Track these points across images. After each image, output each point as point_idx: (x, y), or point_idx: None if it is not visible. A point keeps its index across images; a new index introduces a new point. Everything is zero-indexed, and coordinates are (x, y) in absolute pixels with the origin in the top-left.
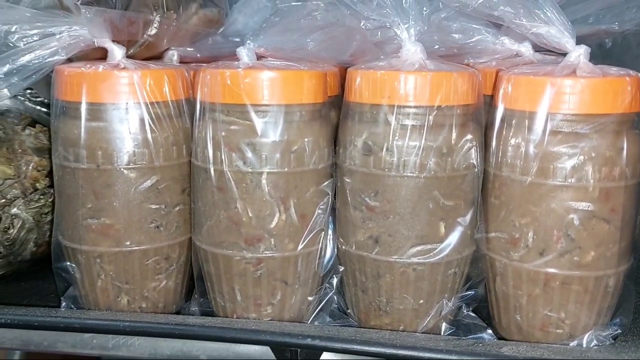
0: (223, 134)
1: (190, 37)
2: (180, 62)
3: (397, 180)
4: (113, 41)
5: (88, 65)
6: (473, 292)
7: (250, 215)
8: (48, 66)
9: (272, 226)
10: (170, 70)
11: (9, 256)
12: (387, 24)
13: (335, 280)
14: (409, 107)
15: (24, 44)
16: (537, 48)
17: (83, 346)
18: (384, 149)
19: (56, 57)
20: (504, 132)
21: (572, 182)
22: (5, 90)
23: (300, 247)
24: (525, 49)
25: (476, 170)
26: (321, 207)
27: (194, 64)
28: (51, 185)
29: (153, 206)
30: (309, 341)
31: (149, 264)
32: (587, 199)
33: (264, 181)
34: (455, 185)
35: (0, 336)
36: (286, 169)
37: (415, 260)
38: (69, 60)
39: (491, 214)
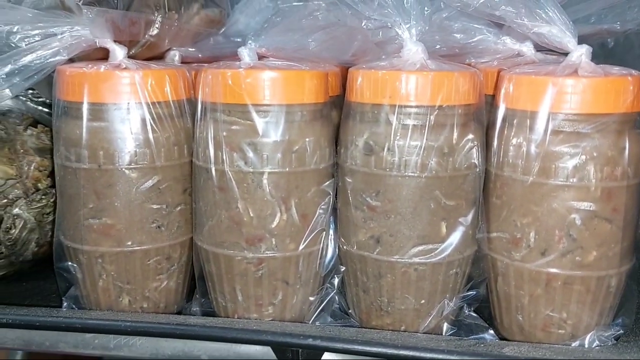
0: (224, 133)
1: (192, 37)
2: (182, 62)
3: (399, 180)
4: (115, 41)
5: (90, 66)
6: (474, 292)
7: (252, 215)
8: (50, 66)
9: (273, 226)
10: (171, 70)
11: (10, 256)
12: (389, 24)
13: (336, 281)
14: (411, 106)
15: (26, 44)
16: (539, 48)
17: (85, 346)
18: (385, 149)
19: (58, 58)
20: (506, 132)
21: (574, 181)
22: (7, 91)
23: (301, 247)
24: (527, 48)
25: (477, 170)
26: (322, 207)
27: (196, 64)
28: (53, 186)
29: (154, 206)
30: (310, 341)
31: (150, 264)
32: (589, 198)
33: (265, 181)
34: (456, 185)
35: (2, 336)
36: (287, 169)
37: (416, 260)
38: (71, 60)
39: (493, 214)
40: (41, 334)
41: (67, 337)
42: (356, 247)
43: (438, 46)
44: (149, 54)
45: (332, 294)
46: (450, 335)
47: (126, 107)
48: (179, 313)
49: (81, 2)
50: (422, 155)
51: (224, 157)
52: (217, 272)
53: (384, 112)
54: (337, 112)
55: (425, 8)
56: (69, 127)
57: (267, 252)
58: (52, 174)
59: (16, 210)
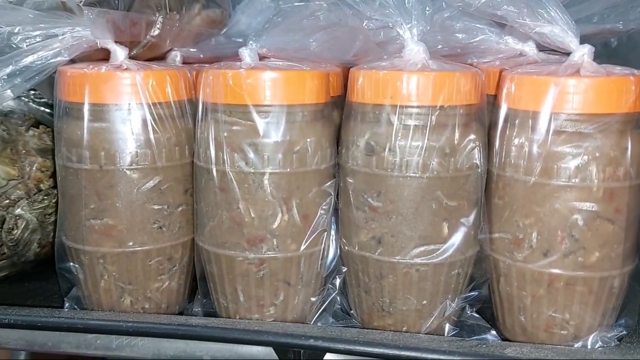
0: (225, 134)
1: (193, 38)
2: (183, 63)
3: (400, 181)
4: (116, 42)
5: (91, 66)
6: (477, 293)
7: (253, 215)
8: (51, 67)
9: (274, 227)
10: (172, 71)
11: (12, 257)
12: (390, 24)
13: (338, 281)
14: (412, 107)
15: (27, 45)
16: (541, 47)
17: (87, 347)
18: (387, 149)
19: (59, 58)
20: (508, 132)
21: (576, 182)
22: (9, 92)
23: (302, 247)
24: (529, 48)
25: (479, 170)
26: (324, 207)
27: (197, 65)
28: (55, 186)
29: (156, 207)
30: (311, 342)
31: (151, 264)
32: (591, 199)
33: (266, 182)
34: (458, 186)
35: (5, 336)
36: (288, 170)
37: (418, 260)
38: (72, 61)
39: (495, 215)
40: (43, 334)
41: (69, 337)
42: (358, 247)
43: (440, 46)
44: (150, 55)
45: (334, 294)
46: (452, 336)
47: (127, 107)
48: (180, 314)
49: (82, 3)
50: (424, 156)
51: (225, 158)
52: (219, 273)
53: (385, 113)
54: (338, 112)
55: (427, 8)
56: (70, 128)
57: (268, 252)
58: (54, 175)
59: (18, 211)
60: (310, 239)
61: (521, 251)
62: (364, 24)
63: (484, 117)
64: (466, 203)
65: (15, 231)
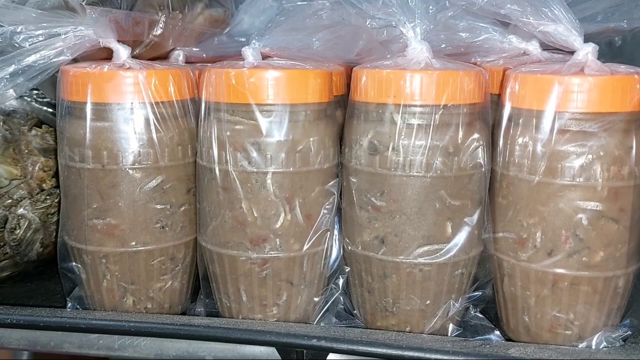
0: (228, 133)
1: (196, 37)
2: (186, 63)
3: (403, 180)
4: (118, 41)
5: (93, 65)
6: (480, 293)
7: (256, 215)
8: (53, 66)
9: (277, 226)
10: (175, 70)
11: (15, 257)
12: (393, 23)
13: (341, 281)
14: (415, 106)
15: (30, 44)
16: (545, 46)
17: (89, 347)
18: (390, 149)
19: (62, 58)
20: (511, 131)
21: (581, 181)
22: (11, 91)
23: (305, 247)
24: (533, 47)
25: (483, 169)
26: (327, 207)
27: (200, 64)
28: (58, 186)
29: (158, 206)
30: (314, 342)
31: (154, 264)
32: (596, 198)
33: (269, 181)
34: (462, 185)
35: (7, 336)
36: (291, 169)
37: (421, 260)
38: (75, 60)
39: (498, 214)
40: (46, 334)
41: (72, 337)
42: (361, 247)
43: (443, 45)
44: (153, 54)
45: (337, 294)
46: (455, 336)
47: (130, 107)
48: (183, 314)
49: (85, 2)
50: (427, 155)
51: (228, 157)
52: (221, 273)
53: (388, 112)
54: (341, 111)
55: (430, 7)
56: (72, 127)
57: (271, 252)
58: (56, 174)
59: (21, 211)
60: (313, 238)
61: (525, 251)
62: (367, 23)
63: (487, 116)
64: (470, 202)
65: (18, 231)
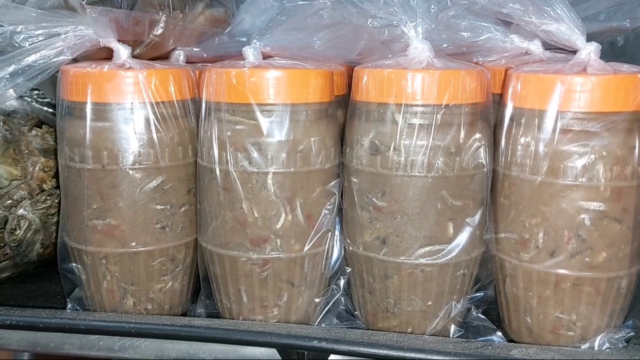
0: (228, 133)
1: (197, 37)
2: (187, 62)
3: (405, 180)
4: (119, 41)
5: (93, 65)
6: (482, 294)
7: (256, 215)
8: (53, 66)
9: (278, 227)
10: (175, 70)
11: (15, 257)
12: (395, 22)
13: (342, 282)
14: (417, 105)
15: (30, 44)
16: (547, 46)
17: (89, 348)
18: (391, 149)
19: (62, 57)
20: (514, 131)
21: (583, 181)
22: (11, 91)
23: (306, 248)
24: (535, 46)
25: (485, 169)
26: (328, 207)
27: (200, 64)
28: (58, 186)
29: (158, 207)
30: (315, 343)
31: (154, 265)
32: (599, 198)
33: (269, 181)
34: (463, 185)
35: (7, 337)
36: (292, 169)
37: (423, 261)
38: (75, 60)
39: (500, 214)
40: (46, 335)
41: (72, 338)
42: (362, 248)
43: (445, 45)
44: (153, 54)
45: (338, 295)
46: (457, 337)
47: (130, 107)
48: (183, 315)
49: (85, 1)
50: (429, 155)
51: (228, 157)
52: (222, 274)
53: (389, 111)
54: (342, 111)
55: (432, 6)
56: (72, 127)
57: (272, 253)
58: (57, 175)
59: (21, 211)
60: (314, 239)
61: (527, 251)
62: (368, 22)
63: (489, 115)
64: (472, 203)
65: (18, 231)
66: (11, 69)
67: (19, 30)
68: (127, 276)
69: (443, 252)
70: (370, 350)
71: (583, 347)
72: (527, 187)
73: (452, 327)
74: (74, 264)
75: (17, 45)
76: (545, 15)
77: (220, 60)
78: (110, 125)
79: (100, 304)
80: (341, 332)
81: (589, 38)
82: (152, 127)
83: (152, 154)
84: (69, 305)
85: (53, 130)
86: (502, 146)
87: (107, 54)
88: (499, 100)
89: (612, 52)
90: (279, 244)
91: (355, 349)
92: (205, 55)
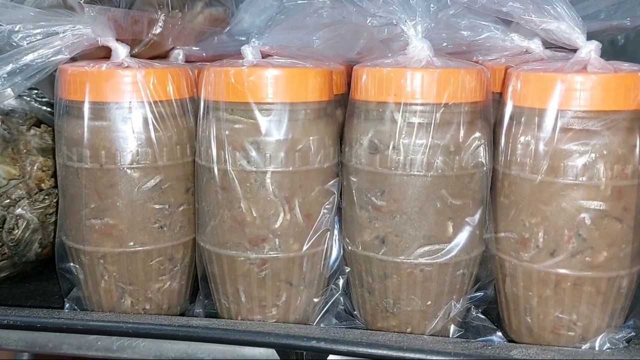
0: (227, 132)
1: (196, 36)
2: (186, 62)
3: (404, 179)
4: (117, 40)
5: (91, 64)
6: (482, 294)
7: (255, 215)
8: (51, 65)
9: (276, 226)
10: (174, 69)
11: (13, 257)
12: (394, 21)
13: (341, 282)
14: (416, 104)
15: (28, 43)
16: (548, 45)
17: (88, 348)
18: (391, 148)
19: (60, 56)
20: (513, 130)
21: (584, 180)
22: (9, 90)
23: (305, 247)
24: (535, 45)
25: (485, 168)
26: (327, 206)
27: (199, 63)
28: (56, 186)
29: (157, 206)
30: (314, 343)
31: (152, 264)
32: (599, 197)
33: (268, 180)
34: (463, 184)
35: (5, 337)
36: (291, 168)
37: (422, 260)
38: (73, 59)
39: (500, 214)
40: (44, 335)
41: (70, 338)
42: (361, 247)
43: (445, 44)
44: (152, 53)
45: (337, 295)
46: (457, 337)
47: (128, 106)
48: (182, 315)
49: (83, 0)
50: (428, 154)
51: (227, 157)
52: (220, 273)
53: (389, 110)
54: (342, 110)
55: (431, 5)
56: (70, 127)
57: (270, 252)
58: (55, 174)
59: (19, 211)
60: (313, 238)
61: (527, 251)
62: (367, 21)
63: (489, 114)
64: (471, 202)
65: (16, 231)
66: (9, 68)
67: (17, 29)
68: (125, 276)
69: (442, 252)
70: (369, 350)
71: (584, 347)
72: (527, 186)
73: (452, 327)
74: (71, 264)
75: (15, 44)
76: (545, 13)
77: (220, 59)
78: (108, 125)
79: (98, 303)
80: (340, 332)
81: (590, 37)
82: (150, 126)
83: (150, 153)
84: (67, 305)
85: (52, 129)
86: (502, 145)
87: (105, 53)
88: (499, 99)
89: (613, 51)
90: (277, 243)
91: (354, 349)
92: (204, 54)
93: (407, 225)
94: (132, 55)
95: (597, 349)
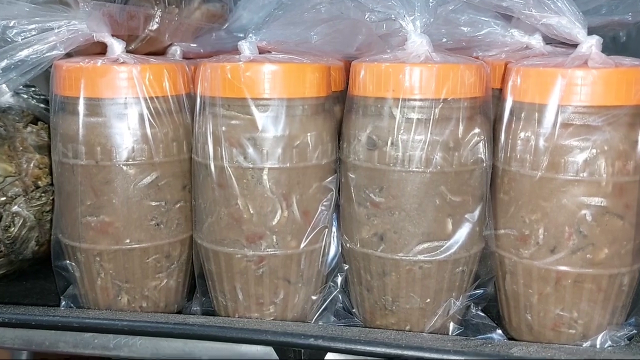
0: (223, 128)
1: (193, 32)
2: (184, 58)
3: (403, 176)
4: (112, 35)
5: (87, 60)
6: (482, 291)
7: (252, 212)
8: (46, 61)
9: (274, 223)
10: (170, 65)
11: (10, 255)
12: (392, 16)
13: (339, 279)
14: (415, 100)
15: (22, 39)
16: (548, 40)
17: (84, 346)
18: (389, 144)
19: (55, 52)
20: (513, 126)
21: (584, 176)
22: (4, 86)
23: (303, 244)
24: (536, 41)
25: (484, 165)
26: (324, 203)
27: (198, 60)
28: (53, 183)
29: (153, 203)
30: (311, 341)
31: (149, 262)
32: (600, 194)
33: (265, 177)
34: (462, 181)
35: (1, 335)
36: (288, 165)
37: (421, 257)
38: (69, 55)
39: (500, 210)
40: (40, 333)
41: (67, 336)
42: (359, 244)
43: (444, 40)
44: (149, 49)
45: (335, 292)
46: (456, 335)
47: (123, 102)
48: (179, 312)
49: None
50: (427, 150)
51: (223, 153)
52: (217, 271)
53: (387, 106)
54: (340, 107)
55: (430, 0)
56: (65, 123)
57: (267, 249)
58: (52, 172)
59: (15, 208)
60: (311, 235)
61: (527, 248)
62: (366, 16)
63: (489, 110)
64: (471, 198)
65: (13, 229)
66: (4, 64)
67: (11, 24)
68: (121, 273)
69: (442, 249)
70: (368, 348)
71: (585, 345)
72: (527, 183)
73: (451, 325)
74: (67, 262)
75: (9, 40)
76: (545, 8)
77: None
78: (104, 121)
79: (95, 301)
80: (338, 330)
81: (591, 32)
82: (146, 123)
83: (146, 150)
84: (63, 303)
85: (48, 126)
86: (502, 141)
87: (101, 49)
88: (499, 96)
89: (614, 47)
90: (274, 240)
91: (353, 347)
92: (202, 50)
93: (406, 222)
94: (129, 52)
95: (598, 346)
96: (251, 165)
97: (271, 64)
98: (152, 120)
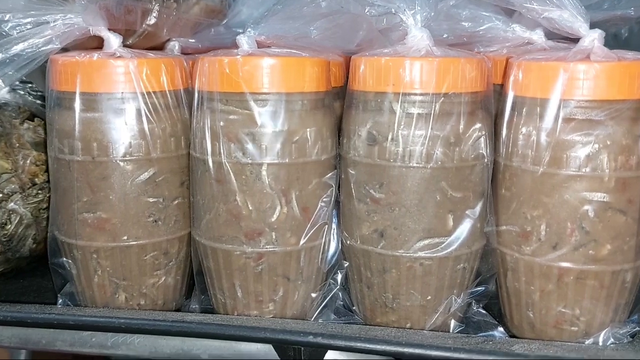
0: (221, 124)
1: (192, 27)
2: (183, 54)
3: (403, 171)
4: (109, 30)
5: (83, 54)
6: (483, 288)
7: (250, 208)
8: (42, 55)
9: (273, 220)
10: (168, 60)
11: (6, 252)
12: (393, 10)
13: (339, 276)
14: (415, 94)
15: (18, 33)
16: (550, 36)
17: (82, 344)
18: (389, 139)
19: (50, 46)
20: (515, 121)
21: (587, 171)
22: (0, 82)
23: (302, 241)
24: (537, 36)
25: (485, 160)
26: (324, 199)
27: (196, 55)
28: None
29: (151, 199)
30: (311, 339)
31: (147, 259)
32: (603, 189)
33: (264, 173)
34: (463, 176)
35: None
36: (287, 160)
37: (422, 254)
38: (65, 49)
39: (501, 206)
40: (37, 331)
41: (64, 335)
42: (359, 241)
43: (445, 35)
44: (147, 44)
45: (335, 290)
46: (457, 332)
47: (120, 97)
48: (177, 310)
49: None
50: (428, 145)
51: (222, 148)
52: (216, 268)
53: (387, 101)
54: (340, 103)
55: None
56: (62, 118)
57: (266, 246)
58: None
59: (11, 205)
60: (311, 232)
61: (529, 244)
62: (366, 11)
63: (490, 105)
64: (472, 194)
65: (9, 226)
66: None
67: (6, 18)
68: (118, 271)
69: (442, 245)
70: (368, 345)
71: (587, 342)
72: (529, 178)
73: (452, 322)
74: (64, 259)
75: (4, 33)
76: (547, 2)
77: None
78: (100, 116)
79: (92, 299)
80: (338, 327)
81: (593, 27)
82: (144, 118)
83: (143, 146)
84: (60, 301)
85: (45, 123)
86: (503, 136)
87: (97, 43)
88: (500, 91)
89: (616, 43)
90: (274, 237)
91: (353, 344)
92: (200, 46)
93: (407, 218)
94: (126, 46)
95: (600, 344)
96: (250, 161)
97: (270, 58)
98: (149, 116)
